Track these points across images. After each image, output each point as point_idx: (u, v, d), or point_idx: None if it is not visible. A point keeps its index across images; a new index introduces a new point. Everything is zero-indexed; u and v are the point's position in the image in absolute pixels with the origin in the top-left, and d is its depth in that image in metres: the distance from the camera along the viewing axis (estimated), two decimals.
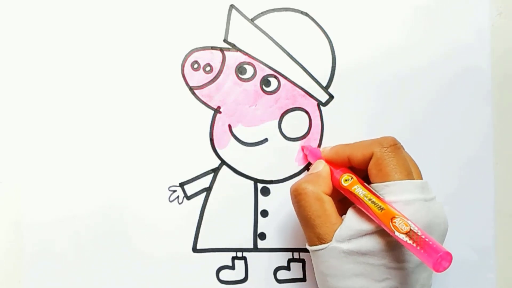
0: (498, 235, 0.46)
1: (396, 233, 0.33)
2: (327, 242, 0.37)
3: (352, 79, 0.46)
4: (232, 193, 0.45)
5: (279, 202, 0.45)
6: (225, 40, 0.45)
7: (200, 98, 0.45)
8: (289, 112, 0.45)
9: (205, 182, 0.45)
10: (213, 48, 0.45)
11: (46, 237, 0.44)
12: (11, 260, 0.44)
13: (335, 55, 0.46)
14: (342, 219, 0.38)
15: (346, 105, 0.46)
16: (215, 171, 0.45)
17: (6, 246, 0.44)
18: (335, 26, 0.46)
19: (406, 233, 0.33)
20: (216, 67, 0.45)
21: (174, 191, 0.45)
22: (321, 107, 0.46)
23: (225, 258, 0.45)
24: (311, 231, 0.38)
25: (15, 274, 0.44)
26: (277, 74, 0.45)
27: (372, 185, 0.37)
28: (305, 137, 0.45)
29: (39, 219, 0.44)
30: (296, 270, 0.46)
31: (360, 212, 0.37)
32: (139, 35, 0.45)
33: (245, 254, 0.45)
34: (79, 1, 0.45)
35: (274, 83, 0.45)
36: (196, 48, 0.45)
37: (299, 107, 0.45)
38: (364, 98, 0.46)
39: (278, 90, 0.45)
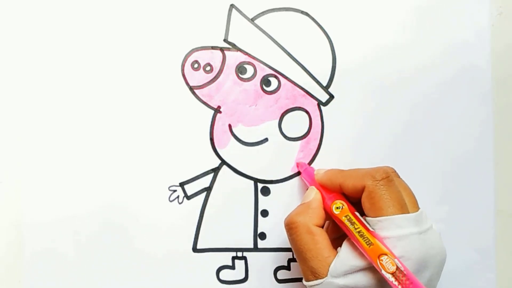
0: (498, 235, 0.46)
1: (383, 271, 0.33)
2: (322, 277, 0.36)
3: (352, 79, 0.46)
4: (232, 193, 0.45)
5: (279, 202, 0.45)
6: (225, 40, 0.45)
7: (200, 98, 0.45)
8: (289, 112, 0.45)
9: (205, 182, 0.45)
10: (213, 47, 0.45)
11: (46, 237, 0.44)
12: (11, 260, 0.44)
13: (335, 55, 0.46)
14: (336, 252, 0.37)
15: (346, 105, 0.46)
16: (215, 171, 0.45)
17: (6, 246, 0.44)
18: (335, 26, 0.46)
19: (392, 273, 0.33)
20: (216, 66, 0.45)
21: (174, 191, 0.45)
22: (321, 107, 0.46)
23: (225, 258, 0.45)
24: (305, 264, 0.38)
25: (15, 274, 0.44)
26: (277, 74, 0.45)
27: (366, 218, 0.37)
28: (305, 137, 0.45)
29: (39, 219, 0.44)
30: (296, 270, 0.46)
31: (353, 246, 0.37)
32: (139, 35, 0.45)
33: (245, 254, 0.45)
34: (79, 1, 0.45)
35: (274, 83, 0.45)
36: (196, 47, 0.45)
37: (299, 107, 0.45)
38: (364, 97, 0.46)
39: (278, 90, 0.45)
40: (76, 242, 0.44)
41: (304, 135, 0.45)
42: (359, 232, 0.36)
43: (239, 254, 0.45)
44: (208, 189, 0.45)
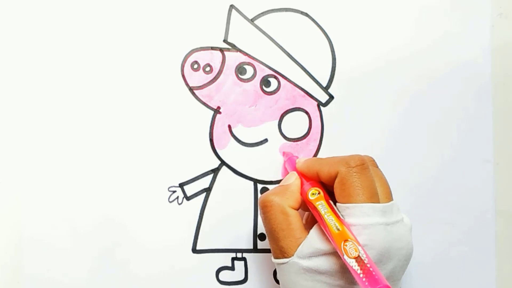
0: (498, 235, 0.46)
1: (345, 257, 0.33)
2: (289, 257, 0.37)
3: (352, 80, 0.46)
4: (232, 193, 0.45)
5: None
6: (225, 40, 0.45)
7: (200, 99, 0.45)
8: (289, 112, 0.45)
9: (205, 182, 0.45)
10: (213, 48, 0.45)
11: (45, 238, 0.44)
12: (10, 260, 0.44)
13: (335, 56, 0.46)
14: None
15: (346, 105, 0.46)
16: (215, 171, 0.45)
17: (6, 246, 0.44)
18: (335, 27, 0.46)
19: (354, 258, 0.33)
20: (216, 67, 0.45)
21: (174, 191, 0.45)
22: (321, 108, 0.46)
23: (225, 259, 0.45)
24: (275, 244, 0.38)
25: (15, 274, 0.44)
26: (277, 75, 0.45)
27: (337, 204, 0.37)
28: (305, 138, 0.45)
29: (39, 219, 0.44)
30: None
31: (322, 231, 0.37)
32: (139, 35, 0.45)
33: (244, 254, 0.45)
34: (79, 1, 0.45)
35: (274, 83, 0.45)
36: (196, 48, 0.45)
37: (299, 108, 0.45)
38: (364, 98, 0.46)
39: (278, 90, 0.45)
40: (76, 242, 0.44)
41: (304, 135, 0.45)
42: (328, 217, 0.36)
43: (239, 255, 0.45)
44: (207, 190, 0.45)
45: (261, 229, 0.45)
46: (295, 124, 0.45)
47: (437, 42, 0.46)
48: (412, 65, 0.46)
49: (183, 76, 0.45)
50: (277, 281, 0.45)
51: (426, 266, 0.46)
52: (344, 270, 0.35)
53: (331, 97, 0.46)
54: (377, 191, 0.37)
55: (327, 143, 0.45)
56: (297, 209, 0.39)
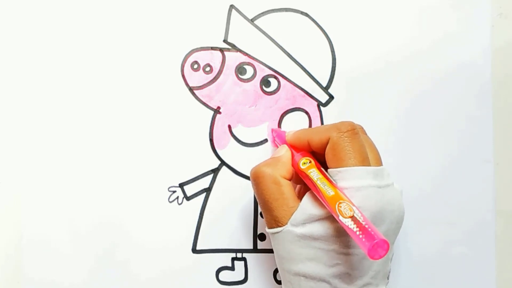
0: (498, 235, 0.46)
1: (340, 217, 0.33)
2: (283, 225, 0.37)
3: (352, 80, 0.46)
4: (232, 193, 0.45)
5: None
6: (225, 41, 0.45)
7: (200, 99, 0.45)
8: (289, 112, 0.45)
9: (204, 182, 0.45)
10: (213, 48, 0.45)
11: (46, 238, 0.44)
12: (10, 260, 0.44)
13: (335, 56, 0.46)
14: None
15: (346, 105, 0.46)
16: (215, 171, 0.45)
17: (6, 246, 0.44)
18: (335, 27, 0.46)
19: (350, 218, 0.33)
20: (216, 67, 0.45)
21: (174, 191, 0.45)
22: (321, 108, 0.46)
23: (225, 259, 0.45)
24: (269, 214, 0.38)
25: (15, 274, 0.44)
26: (277, 75, 0.45)
27: (328, 170, 0.37)
28: None
29: (39, 219, 0.44)
30: None
31: (315, 197, 0.37)
32: (139, 35, 0.45)
33: (244, 255, 0.45)
34: (79, 1, 0.45)
35: (274, 83, 0.45)
36: (196, 48, 0.45)
37: (299, 108, 0.45)
38: (364, 98, 0.46)
39: (278, 90, 0.45)
40: (76, 242, 0.44)
41: None
42: (322, 183, 0.36)
43: (239, 255, 0.45)
44: (207, 190, 0.45)
45: (261, 229, 0.45)
46: (295, 124, 0.45)
47: (437, 42, 0.46)
48: (412, 65, 0.46)
49: (183, 76, 0.45)
50: (277, 281, 0.45)
51: (426, 266, 0.46)
52: (338, 234, 0.36)
53: (331, 97, 0.46)
54: (368, 156, 0.37)
55: None
56: (289, 180, 0.39)
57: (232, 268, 0.45)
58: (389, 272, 0.39)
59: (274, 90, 0.45)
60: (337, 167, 0.36)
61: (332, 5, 0.46)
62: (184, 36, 0.45)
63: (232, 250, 0.45)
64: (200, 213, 0.45)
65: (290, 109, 0.45)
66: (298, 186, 0.42)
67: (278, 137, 0.43)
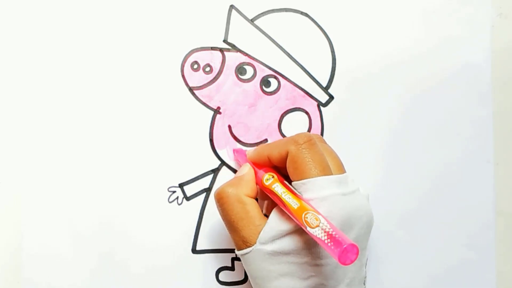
0: (498, 235, 0.46)
1: (308, 228, 0.34)
2: (252, 245, 0.37)
3: (352, 80, 0.46)
4: None
5: None
6: (225, 41, 0.45)
7: (200, 99, 0.45)
8: (289, 112, 0.45)
9: (204, 182, 0.45)
10: (213, 48, 0.45)
11: (45, 238, 0.44)
12: (10, 261, 0.44)
13: (335, 56, 0.46)
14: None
15: (346, 106, 0.46)
16: (215, 171, 0.45)
17: (6, 246, 0.44)
18: (335, 27, 0.46)
19: (316, 227, 0.33)
20: (216, 67, 0.45)
21: (174, 191, 0.45)
22: (321, 108, 0.46)
23: (225, 259, 0.45)
24: (236, 234, 0.38)
25: (15, 275, 0.44)
26: (277, 75, 0.45)
27: (292, 183, 0.37)
28: None
29: (39, 219, 0.44)
30: None
31: (282, 212, 0.37)
32: (139, 35, 0.45)
33: None
34: (79, 1, 0.45)
35: (274, 83, 0.45)
36: (196, 48, 0.45)
37: (299, 108, 0.45)
38: (364, 98, 0.46)
39: (278, 90, 0.45)
40: (76, 242, 0.44)
41: None
42: (286, 196, 0.36)
43: None
44: (207, 190, 0.45)
45: None
46: (295, 124, 0.45)
47: (437, 43, 0.46)
48: (412, 65, 0.46)
49: (183, 76, 0.45)
50: None
51: (426, 266, 0.46)
52: (309, 246, 0.36)
53: (331, 97, 0.46)
54: (328, 164, 0.37)
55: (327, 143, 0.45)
56: (254, 198, 0.39)
57: (232, 268, 0.45)
58: (365, 277, 0.39)
59: (274, 90, 0.45)
60: (300, 179, 0.37)
61: (332, 5, 0.46)
62: (184, 36, 0.45)
63: (232, 250, 0.45)
64: (200, 213, 0.45)
65: (290, 109, 0.45)
66: (265, 202, 0.42)
67: (240, 157, 0.44)
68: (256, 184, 0.40)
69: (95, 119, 0.45)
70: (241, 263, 0.45)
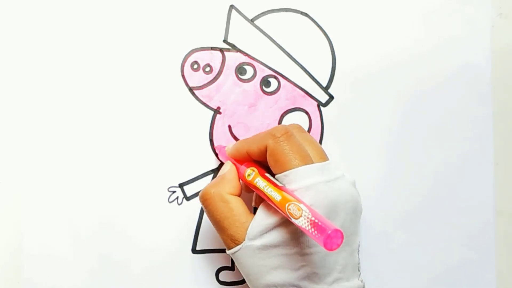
0: (498, 235, 0.46)
1: (292, 219, 0.34)
2: (241, 242, 0.37)
3: (352, 80, 0.46)
4: None
5: None
6: (225, 41, 0.45)
7: (200, 99, 0.45)
8: (289, 112, 0.45)
9: (204, 182, 0.45)
10: (213, 48, 0.45)
11: (45, 238, 0.44)
12: (10, 261, 0.44)
13: (335, 56, 0.46)
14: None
15: (346, 105, 0.46)
16: (215, 171, 0.45)
17: (6, 246, 0.44)
18: (335, 27, 0.46)
19: (300, 217, 0.33)
20: (216, 67, 0.45)
21: (174, 191, 0.45)
22: (321, 108, 0.46)
23: (225, 259, 0.45)
24: (224, 234, 0.38)
25: (15, 275, 0.44)
26: (277, 75, 0.45)
27: (275, 176, 0.38)
28: None
29: (39, 219, 0.44)
30: None
31: (268, 206, 0.37)
32: (139, 35, 0.45)
33: None
34: (79, 1, 0.45)
35: (274, 83, 0.45)
36: (196, 48, 0.45)
37: (299, 108, 0.45)
38: (364, 98, 0.46)
39: (278, 90, 0.45)
40: (75, 242, 0.44)
41: None
42: (268, 189, 0.36)
43: None
44: None
45: None
46: None
47: (437, 43, 0.46)
48: (412, 65, 0.46)
49: (183, 76, 0.45)
50: None
51: (426, 266, 0.46)
52: (296, 236, 0.36)
53: (331, 97, 0.46)
54: (308, 154, 0.37)
55: (327, 143, 0.45)
56: (239, 195, 0.39)
57: (232, 268, 0.45)
58: (359, 264, 0.39)
59: (274, 90, 0.45)
60: (281, 172, 0.37)
61: (332, 5, 0.46)
62: (184, 36, 0.45)
63: None
64: (200, 213, 0.45)
65: (290, 109, 0.45)
66: (254, 194, 0.42)
67: (221, 153, 0.44)
68: (241, 180, 0.40)
69: (95, 119, 0.45)
70: None
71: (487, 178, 0.46)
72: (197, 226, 0.45)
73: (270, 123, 0.45)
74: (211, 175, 0.45)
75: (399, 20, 0.46)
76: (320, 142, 0.45)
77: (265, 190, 0.37)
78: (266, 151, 0.38)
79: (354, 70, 0.46)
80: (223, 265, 0.45)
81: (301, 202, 0.34)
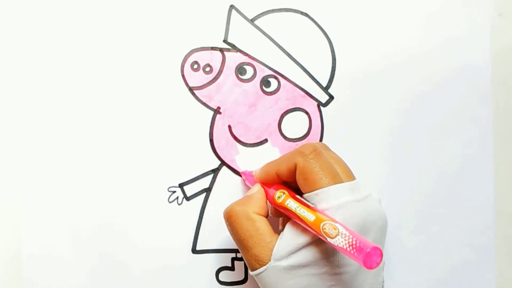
0: (498, 235, 0.46)
1: (328, 239, 0.33)
2: (266, 263, 0.37)
3: (352, 80, 0.46)
4: (232, 193, 0.45)
5: None
6: (225, 41, 0.45)
7: (200, 99, 0.45)
8: (289, 112, 0.45)
9: (204, 182, 0.45)
10: (213, 48, 0.45)
11: (45, 238, 0.44)
12: (10, 261, 0.44)
13: (335, 56, 0.46)
14: (278, 236, 0.37)
15: (346, 105, 0.46)
16: (215, 171, 0.45)
17: (6, 246, 0.44)
18: (335, 27, 0.46)
19: (336, 236, 0.33)
20: (216, 67, 0.45)
21: (174, 191, 0.45)
22: (321, 108, 0.46)
23: (225, 259, 0.45)
24: (248, 253, 0.38)
25: (15, 275, 0.44)
26: (277, 75, 0.45)
27: (304, 195, 0.37)
28: (305, 138, 0.45)
29: (39, 219, 0.44)
30: None
31: (296, 226, 0.37)
32: (139, 35, 0.45)
33: None
34: (79, 1, 0.45)
35: (274, 83, 0.45)
36: (196, 48, 0.45)
37: (299, 108, 0.45)
38: (364, 98, 0.46)
39: (278, 90, 0.45)
40: (75, 243, 0.44)
41: (304, 136, 0.45)
42: (300, 210, 0.36)
43: (239, 255, 0.45)
44: (207, 190, 0.45)
45: None
46: (295, 124, 0.45)
47: (437, 43, 0.46)
48: (412, 65, 0.46)
49: (183, 76, 0.45)
50: None
51: (426, 266, 0.46)
52: (327, 256, 0.36)
53: (331, 97, 0.46)
54: (338, 172, 0.37)
55: (327, 143, 0.45)
56: (265, 216, 0.39)
57: (232, 268, 0.45)
58: (383, 282, 0.39)
59: (274, 90, 0.45)
60: (312, 191, 0.36)
61: (332, 5, 0.46)
62: (184, 36, 0.45)
63: (232, 250, 0.45)
64: (200, 213, 0.45)
65: (290, 109, 0.45)
66: (280, 218, 0.42)
67: (248, 179, 0.43)
68: (270, 203, 0.40)
69: (95, 120, 0.45)
70: (241, 263, 0.45)
71: (487, 178, 0.46)
72: (197, 226, 0.45)
73: (270, 123, 0.45)
74: (211, 175, 0.45)
75: (399, 20, 0.46)
76: (320, 142, 0.46)
77: (297, 211, 0.36)
78: (295, 170, 0.37)
79: (354, 70, 0.46)
80: (223, 265, 0.45)
81: (336, 222, 0.34)
